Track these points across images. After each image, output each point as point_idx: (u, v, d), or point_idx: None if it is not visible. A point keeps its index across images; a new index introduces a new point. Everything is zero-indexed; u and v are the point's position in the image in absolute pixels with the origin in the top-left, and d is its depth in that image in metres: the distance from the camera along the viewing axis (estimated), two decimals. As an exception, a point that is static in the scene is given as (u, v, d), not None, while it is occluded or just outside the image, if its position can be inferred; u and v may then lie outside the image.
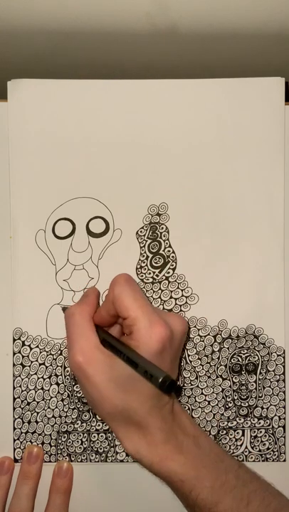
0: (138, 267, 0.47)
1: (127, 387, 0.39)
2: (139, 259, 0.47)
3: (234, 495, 0.39)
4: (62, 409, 0.47)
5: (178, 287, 0.47)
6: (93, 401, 0.40)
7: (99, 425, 0.47)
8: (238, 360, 0.47)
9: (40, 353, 0.46)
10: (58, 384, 0.47)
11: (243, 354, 0.47)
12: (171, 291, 0.47)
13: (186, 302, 0.47)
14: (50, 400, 0.47)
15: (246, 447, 0.47)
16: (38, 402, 0.47)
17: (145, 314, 0.39)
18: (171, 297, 0.47)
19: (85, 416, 0.47)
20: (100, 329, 0.42)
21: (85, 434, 0.47)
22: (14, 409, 0.46)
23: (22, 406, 0.46)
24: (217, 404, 0.47)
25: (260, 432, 0.47)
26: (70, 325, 0.42)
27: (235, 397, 0.47)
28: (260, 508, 0.39)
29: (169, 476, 0.39)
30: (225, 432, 0.47)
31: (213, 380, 0.47)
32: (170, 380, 0.36)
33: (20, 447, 0.46)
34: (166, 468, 0.39)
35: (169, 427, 0.40)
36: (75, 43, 0.52)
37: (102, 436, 0.47)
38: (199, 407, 0.47)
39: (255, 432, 0.47)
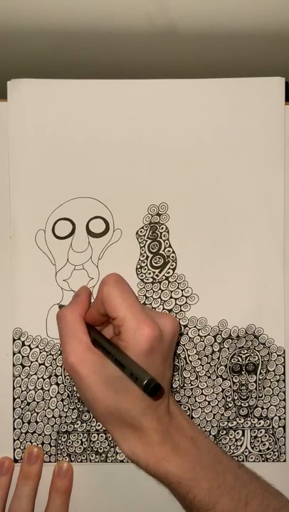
0: (138, 267, 0.47)
1: (118, 388, 0.38)
2: (139, 259, 0.47)
3: (232, 496, 0.39)
4: (62, 410, 0.47)
5: (178, 287, 0.47)
6: (88, 402, 0.40)
7: (99, 425, 0.47)
8: (238, 360, 0.47)
9: (40, 353, 0.46)
10: (57, 384, 0.47)
11: (243, 354, 0.47)
12: (171, 291, 0.47)
13: (186, 302, 0.47)
14: (50, 400, 0.47)
15: (246, 447, 0.47)
16: (37, 403, 0.47)
17: (133, 314, 0.39)
18: (171, 297, 0.47)
19: (85, 416, 0.47)
20: (91, 329, 0.42)
21: (85, 435, 0.47)
22: (14, 409, 0.46)
23: (22, 406, 0.46)
24: (217, 405, 0.47)
25: (260, 432, 0.47)
26: (61, 327, 0.42)
27: (236, 397, 0.47)
28: (259, 508, 0.39)
29: (166, 477, 0.39)
30: (225, 432, 0.47)
31: (213, 380, 0.47)
32: (154, 383, 0.35)
33: (20, 447, 0.46)
34: (162, 469, 0.39)
35: (166, 428, 0.40)
36: (75, 43, 0.52)
37: (102, 436, 0.47)
38: (199, 407, 0.47)
39: (255, 432, 0.47)
